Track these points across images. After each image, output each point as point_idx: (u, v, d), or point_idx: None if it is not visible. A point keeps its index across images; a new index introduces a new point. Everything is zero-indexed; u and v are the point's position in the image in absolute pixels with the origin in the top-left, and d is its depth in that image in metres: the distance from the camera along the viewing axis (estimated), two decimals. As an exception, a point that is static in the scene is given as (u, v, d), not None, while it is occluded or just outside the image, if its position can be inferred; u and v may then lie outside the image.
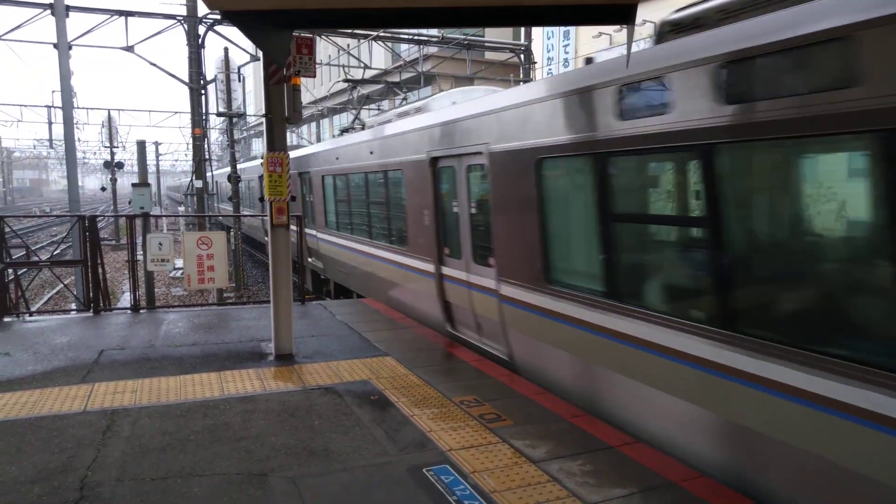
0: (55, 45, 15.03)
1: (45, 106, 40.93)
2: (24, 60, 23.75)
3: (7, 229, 8.43)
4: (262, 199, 6.57)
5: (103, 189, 37.13)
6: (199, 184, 21.12)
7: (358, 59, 23.79)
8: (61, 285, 14.06)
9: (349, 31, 23.46)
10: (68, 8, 17.94)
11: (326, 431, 4.55)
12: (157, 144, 52.33)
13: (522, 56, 25.91)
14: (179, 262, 9.19)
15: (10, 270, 8.66)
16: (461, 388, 5.53)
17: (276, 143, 6.28)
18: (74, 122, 41.86)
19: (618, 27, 26.13)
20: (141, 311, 8.93)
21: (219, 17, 22.19)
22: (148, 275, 9.13)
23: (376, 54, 27.32)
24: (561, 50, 30.31)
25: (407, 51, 27.37)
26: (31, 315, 8.81)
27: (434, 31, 24.40)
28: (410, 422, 4.73)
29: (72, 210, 15.28)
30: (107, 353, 6.61)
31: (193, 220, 19.49)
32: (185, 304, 11.40)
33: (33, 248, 25.59)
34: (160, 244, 8.91)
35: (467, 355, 6.66)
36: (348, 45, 23.73)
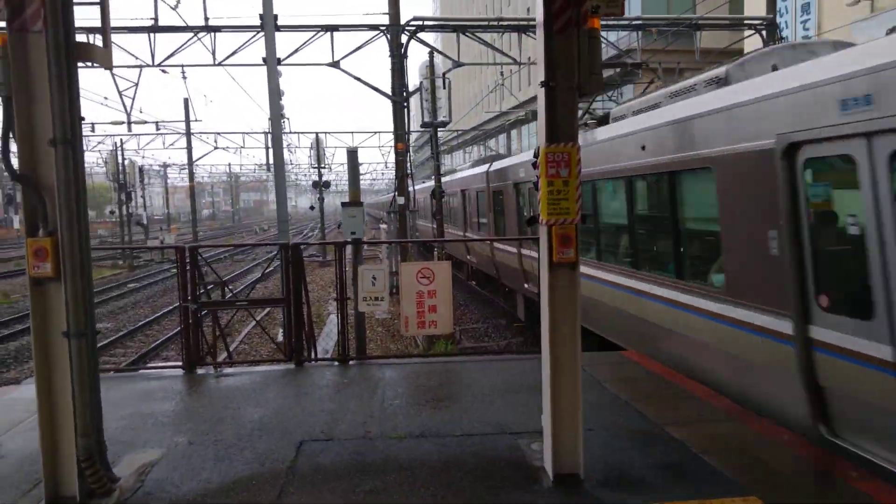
0: (264, 60, 14.40)
1: (263, 132, 44.16)
2: (242, 86, 24.57)
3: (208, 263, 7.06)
4: (531, 222, 4.12)
5: (312, 208, 38.80)
6: (401, 200, 19.95)
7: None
8: (255, 323, 13.08)
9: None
10: (278, 26, 17.61)
11: None
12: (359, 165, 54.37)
13: (765, 33, 21.46)
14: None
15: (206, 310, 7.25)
16: None
17: (562, 129, 3.81)
18: (286, 144, 44.51)
19: None
20: (350, 361, 7.03)
21: (421, 24, 21.09)
22: (358, 316, 7.28)
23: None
24: (799, 27, 25.00)
25: (622, 39, 24.10)
26: (225, 366, 7.32)
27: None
28: None
29: (280, 230, 14.48)
30: (308, 448, 4.58)
31: (395, 246, 18.28)
32: (400, 355, 9.47)
33: (232, 278, 26.63)
34: (374, 279, 6.95)
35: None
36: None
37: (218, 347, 7.85)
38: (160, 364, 9.67)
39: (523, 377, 6.25)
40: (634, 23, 20.77)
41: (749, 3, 24.49)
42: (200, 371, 6.87)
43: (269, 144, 39.67)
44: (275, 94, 14.36)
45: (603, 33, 20.06)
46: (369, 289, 6.99)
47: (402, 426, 4.98)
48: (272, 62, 14.53)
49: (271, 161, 39.80)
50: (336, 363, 7.02)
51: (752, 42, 23.12)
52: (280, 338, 9.24)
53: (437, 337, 10.85)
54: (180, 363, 6.90)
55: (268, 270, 18.61)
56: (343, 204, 7.05)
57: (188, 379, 6.64)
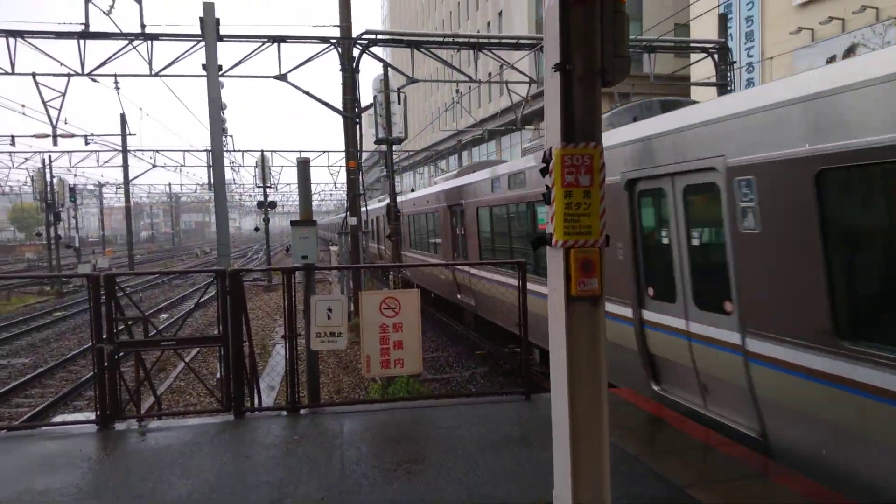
0: (204, 67, 13.25)
1: (205, 150, 42.08)
2: (181, 99, 23.16)
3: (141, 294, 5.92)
4: (538, 243, 3.22)
5: (257, 229, 37.13)
6: (353, 221, 18.91)
7: (522, 73, 20.68)
8: (184, 365, 11.01)
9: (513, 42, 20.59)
10: (220, 35, 16.47)
11: None
12: (305, 184, 52.84)
13: (717, 56, 21.52)
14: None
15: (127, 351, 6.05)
16: None
17: (582, 125, 2.96)
18: (230, 163, 42.75)
19: (825, 18, 21.12)
20: (301, 410, 5.96)
21: (374, 37, 20.26)
22: (311, 356, 6.22)
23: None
24: (743, 53, 25.41)
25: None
26: (150, 419, 6.12)
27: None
28: None
29: (220, 253, 13.23)
30: (248, 539, 3.53)
31: (345, 273, 16.91)
32: (359, 401, 8.24)
33: (170, 304, 24.75)
34: (329, 311, 5.93)
35: None
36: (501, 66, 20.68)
37: (143, 394, 6.65)
38: (69, 419, 8.21)
39: (508, 426, 5.33)
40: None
41: (696, 29, 24.72)
42: (119, 426, 5.68)
43: (211, 162, 37.94)
44: (215, 104, 13.21)
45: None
46: (324, 323, 5.97)
47: (370, 502, 3.98)
48: (213, 69, 13.40)
49: (213, 179, 38.14)
50: (284, 413, 5.94)
51: (703, 67, 23.27)
52: (218, 376, 8.03)
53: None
54: (94, 417, 5.69)
55: (204, 299, 17.09)
56: (293, 223, 6.02)
57: (102, 438, 5.45)
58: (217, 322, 5.83)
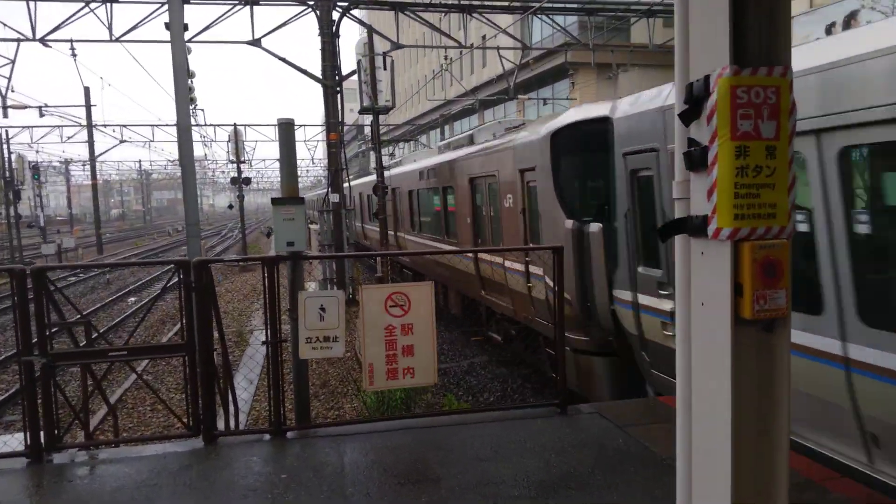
0: (167, 26, 11.74)
1: (175, 125, 39.94)
2: (146, 69, 21.49)
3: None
4: (671, 231, 2.06)
5: (230, 207, 35.45)
6: (335, 198, 17.59)
7: (514, 38, 19.36)
8: (138, 378, 8.33)
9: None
10: (187, -4, 14.89)
11: None
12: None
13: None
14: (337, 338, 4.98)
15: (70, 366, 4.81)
16: None
17: (761, 42, 1.80)
18: (201, 137, 40.84)
19: None
20: (287, 433, 4.79)
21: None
22: (299, 367, 5.01)
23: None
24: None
25: (557, 35, 22.46)
26: (98, 447, 4.90)
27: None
28: None
29: (189, 234, 11.88)
30: None
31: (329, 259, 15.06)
32: (361, 420, 6.73)
33: (136, 288, 22.93)
34: (322, 309, 4.74)
35: None
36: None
37: (92, 410, 5.41)
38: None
39: (552, 455, 4.24)
40: (586, 6, 19.23)
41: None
42: (56, 459, 4.48)
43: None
44: (181, 70, 11.75)
45: (554, 17, 18.02)
46: (316, 325, 4.78)
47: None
48: (178, 31, 11.90)
49: (180, 153, 36.45)
50: (267, 436, 4.76)
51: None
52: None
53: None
54: (23, 448, 4.47)
55: (170, 284, 15.05)
56: (275, 201, 4.78)
57: (34, 475, 4.24)
58: (181, 324, 4.59)
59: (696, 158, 1.90)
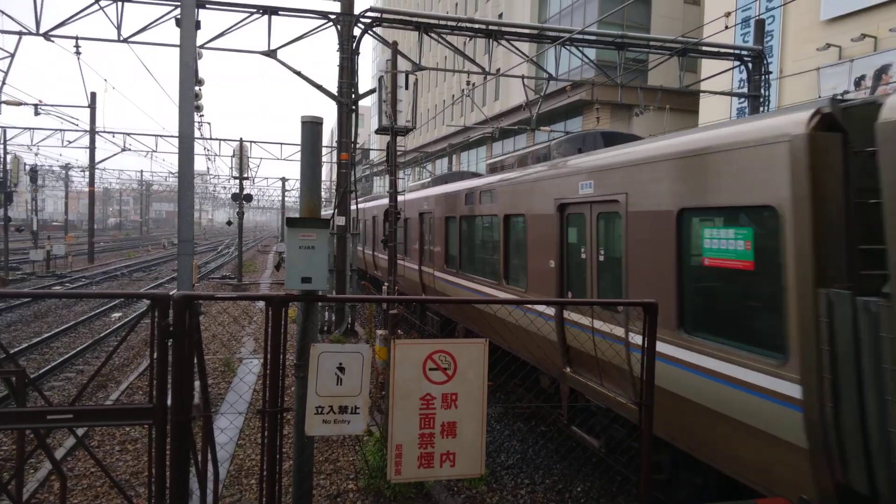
0: (177, 22, 10.83)
1: (177, 136, 39.09)
2: (153, 74, 20.60)
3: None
4: None
5: (229, 223, 34.22)
6: (340, 221, 16.49)
7: (542, 68, 18.53)
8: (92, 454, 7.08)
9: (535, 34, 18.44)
10: (201, 1, 14.03)
11: None
12: (283, 180, 50.02)
13: (751, 65, 19.65)
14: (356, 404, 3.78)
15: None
16: None
17: None
18: (206, 150, 40.02)
19: (857, 35, 19.40)
20: (284, 529, 3.59)
21: (378, 15, 17.96)
22: (302, 447, 3.80)
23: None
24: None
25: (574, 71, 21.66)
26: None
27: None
28: None
29: (181, 251, 10.80)
30: None
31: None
32: None
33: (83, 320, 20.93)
34: (340, 369, 3.59)
35: None
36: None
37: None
38: None
39: None
40: (617, 41, 18.45)
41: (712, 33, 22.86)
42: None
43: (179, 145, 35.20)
44: (188, 69, 10.80)
45: (584, 49, 17.11)
46: (331, 389, 3.62)
47: None
48: (189, 29, 10.98)
49: (180, 161, 35.51)
50: (258, 535, 3.57)
51: (717, 80, 21.51)
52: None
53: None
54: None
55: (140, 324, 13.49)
56: (290, 222, 3.65)
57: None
58: (150, 379, 3.40)
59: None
